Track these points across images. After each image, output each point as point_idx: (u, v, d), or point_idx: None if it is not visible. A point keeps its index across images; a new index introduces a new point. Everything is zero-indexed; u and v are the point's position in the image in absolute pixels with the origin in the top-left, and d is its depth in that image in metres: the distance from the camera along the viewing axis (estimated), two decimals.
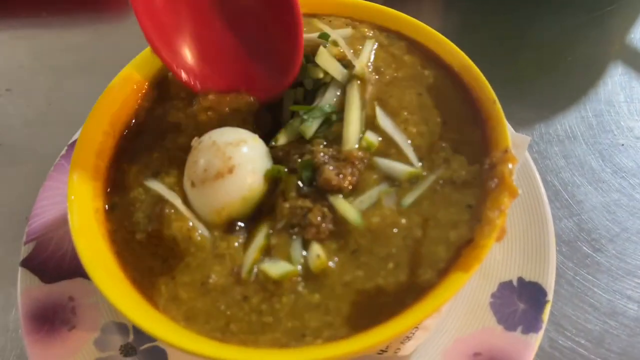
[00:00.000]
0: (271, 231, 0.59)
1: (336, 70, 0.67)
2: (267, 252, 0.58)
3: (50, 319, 0.67)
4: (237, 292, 0.56)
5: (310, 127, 0.63)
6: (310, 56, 0.68)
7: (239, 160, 0.59)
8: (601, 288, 0.78)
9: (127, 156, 0.67)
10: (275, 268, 0.56)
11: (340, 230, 0.58)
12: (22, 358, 0.75)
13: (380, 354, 0.64)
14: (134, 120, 0.71)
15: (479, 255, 0.53)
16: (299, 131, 0.64)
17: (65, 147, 0.80)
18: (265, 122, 0.68)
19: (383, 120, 0.64)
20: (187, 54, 0.67)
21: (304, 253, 0.57)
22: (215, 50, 0.68)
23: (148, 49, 0.73)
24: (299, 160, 0.62)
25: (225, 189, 0.59)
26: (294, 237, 0.58)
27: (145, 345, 0.66)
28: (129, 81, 0.71)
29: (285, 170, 0.61)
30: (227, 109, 0.66)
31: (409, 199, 0.59)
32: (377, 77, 0.68)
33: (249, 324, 0.55)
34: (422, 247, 0.56)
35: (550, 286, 0.67)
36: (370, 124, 0.64)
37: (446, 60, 0.70)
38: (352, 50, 0.69)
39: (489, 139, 0.62)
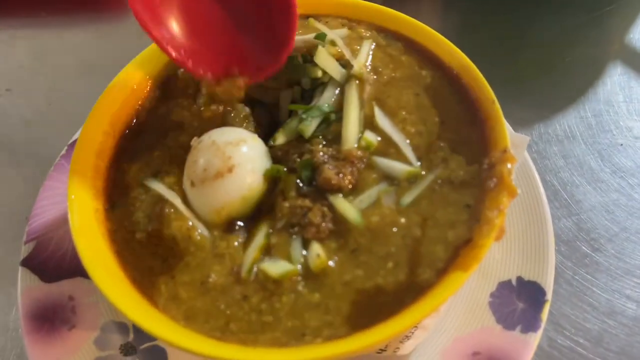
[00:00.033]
0: (271, 230, 0.59)
1: (335, 70, 0.67)
2: (267, 251, 0.58)
3: (50, 319, 0.67)
4: (237, 291, 0.57)
5: (309, 126, 0.63)
6: (308, 56, 0.68)
7: (238, 160, 0.59)
8: (600, 287, 0.78)
9: (127, 156, 0.68)
10: (275, 267, 0.56)
11: (340, 230, 0.58)
12: (22, 357, 0.75)
13: (379, 353, 0.64)
14: (134, 120, 0.71)
15: (477, 254, 0.54)
16: (298, 130, 0.64)
17: (65, 147, 0.80)
18: (264, 121, 0.68)
19: (381, 119, 0.64)
20: (176, 29, 0.65)
21: (304, 252, 0.57)
22: (204, 24, 0.67)
23: (148, 48, 0.73)
24: (298, 159, 0.62)
25: (225, 188, 0.59)
26: (294, 236, 0.58)
27: (145, 345, 0.67)
28: (129, 81, 0.71)
29: (285, 169, 0.62)
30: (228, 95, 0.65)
31: (408, 198, 0.59)
32: (375, 77, 0.68)
33: (249, 323, 0.55)
34: (421, 246, 0.57)
35: (549, 286, 0.67)
36: (368, 123, 0.64)
37: (445, 61, 0.70)
38: (349, 51, 0.69)
39: (488, 138, 0.62)
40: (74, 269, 0.70)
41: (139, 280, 0.59)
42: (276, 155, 0.64)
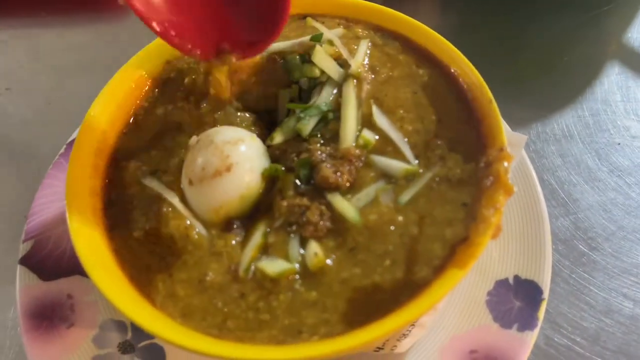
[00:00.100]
0: (269, 229, 0.59)
1: (332, 69, 0.67)
2: (265, 250, 0.58)
3: (48, 317, 0.67)
4: (234, 289, 0.57)
5: (307, 125, 0.64)
6: (305, 55, 0.68)
7: (236, 159, 0.59)
8: (597, 286, 0.78)
9: (126, 154, 0.68)
10: (273, 266, 0.57)
11: (338, 228, 0.58)
12: (21, 355, 0.75)
13: (377, 351, 0.64)
14: (132, 119, 0.71)
15: (474, 252, 0.54)
16: (296, 129, 0.64)
17: (64, 146, 0.81)
18: (262, 121, 0.69)
19: (379, 118, 0.64)
20: (160, 2, 0.61)
21: (302, 251, 0.58)
22: None
23: (147, 47, 0.73)
24: (296, 158, 0.62)
25: (223, 187, 0.59)
26: (292, 235, 0.58)
27: (143, 343, 0.67)
28: (128, 80, 0.71)
29: (283, 168, 0.62)
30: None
31: (405, 196, 0.60)
32: (372, 76, 0.68)
33: (246, 321, 0.55)
34: (418, 244, 0.57)
35: (546, 284, 0.67)
36: (366, 122, 0.64)
37: (443, 60, 0.70)
38: (347, 50, 0.69)
39: (485, 137, 0.62)
40: (73, 267, 0.70)
41: (136, 278, 0.59)
42: (274, 154, 0.64)
